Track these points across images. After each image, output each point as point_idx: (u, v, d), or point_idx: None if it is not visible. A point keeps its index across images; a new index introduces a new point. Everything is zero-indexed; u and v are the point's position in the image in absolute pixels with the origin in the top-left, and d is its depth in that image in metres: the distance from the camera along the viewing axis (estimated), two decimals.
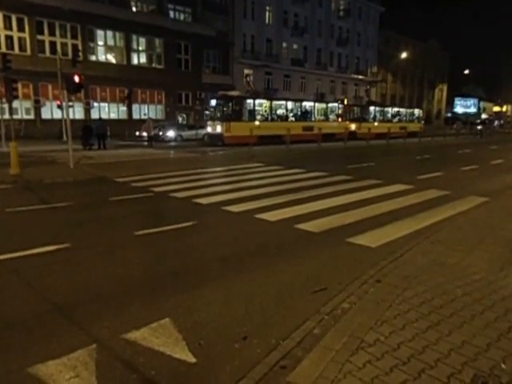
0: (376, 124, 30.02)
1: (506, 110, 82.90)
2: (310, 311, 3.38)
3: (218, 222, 6.43)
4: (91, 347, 2.87)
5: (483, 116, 74.50)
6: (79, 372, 2.59)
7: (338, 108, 28.05)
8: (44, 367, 2.65)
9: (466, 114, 72.95)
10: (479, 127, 39.82)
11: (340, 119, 27.93)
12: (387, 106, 35.91)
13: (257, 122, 22.07)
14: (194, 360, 2.76)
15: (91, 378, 2.54)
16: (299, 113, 25.54)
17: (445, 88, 70.19)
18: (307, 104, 26.32)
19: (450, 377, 2.41)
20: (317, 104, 26.96)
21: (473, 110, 77.67)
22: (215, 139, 21.58)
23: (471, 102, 78.64)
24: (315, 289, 3.89)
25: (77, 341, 2.95)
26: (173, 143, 24.26)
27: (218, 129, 21.47)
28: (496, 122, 59.66)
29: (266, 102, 23.75)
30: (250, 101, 22.71)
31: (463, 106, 78.85)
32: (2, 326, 3.20)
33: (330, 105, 27.98)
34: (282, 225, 6.15)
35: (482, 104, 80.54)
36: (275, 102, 24.62)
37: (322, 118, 26.79)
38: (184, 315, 3.36)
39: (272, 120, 23.66)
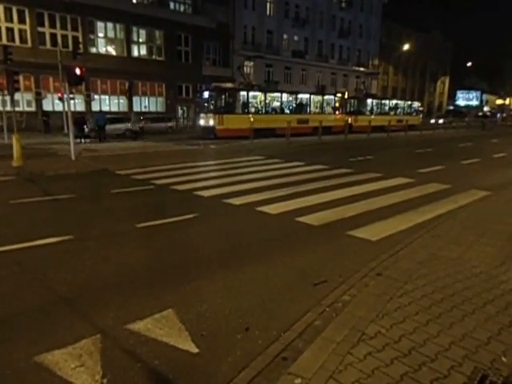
0: (373, 117, 29.69)
1: (510, 103, 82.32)
2: (310, 303, 3.41)
3: (219, 215, 6.46)
4: (96, 337, 2.92)
5: (485, 109, 74.08)
6: (84, 361, 2.64)
7: (335, 101, 27.76)
8: (50, 356, 2.69)
9: (468, 107, 72.57)
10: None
11: (338, 112, 27.68)
12: (385, 99, 35.54)
13: (250, 115, 21.65)
14: (196, 350, 2.80)
15: (96, 367, 2.58)
16: (294, 105, 25.21)
17: (447, 81, 69.66)
18: (303, 96, 25.97)
19: (451, 369, 2.43)
20: (312, 96, 26.66)
21: (475, 102, 77.25)
22: (207, 132, 21.17)
23: (473, 94, 78.19)
24: (316, 281, 3.92)
25: (81, 331, 3.00)
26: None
27: (211, 122, 21.03)
28: (498, 115, 59.34)
29: (260, 95, 23.34)
30: (243, 93, 22.30)
31: (465, 99, 78.41)
32: (8, 316, 3.24)
33: (326, 97, 27.67)
34: (282, 218, 6.17)
35: (484, 97, 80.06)
36: (270, 95, 24.21)
37: (318, 110, 26.50)
38: (186, 306, 3.40)
39: (266, 113, 23.34)
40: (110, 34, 28.21)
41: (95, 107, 26.80)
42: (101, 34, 27.71)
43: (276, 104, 24.28)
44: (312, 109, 26.18)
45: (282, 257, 4.59)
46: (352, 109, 29.67)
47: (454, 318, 3.05)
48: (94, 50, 27.38)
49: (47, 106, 25.75)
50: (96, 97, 27.62)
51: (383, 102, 33.14)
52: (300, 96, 25.85)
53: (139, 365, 2.64)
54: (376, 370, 2.43)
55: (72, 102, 20.81)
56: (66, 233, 5.21)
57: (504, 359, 2.53)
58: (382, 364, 2.49)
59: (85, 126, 19.96)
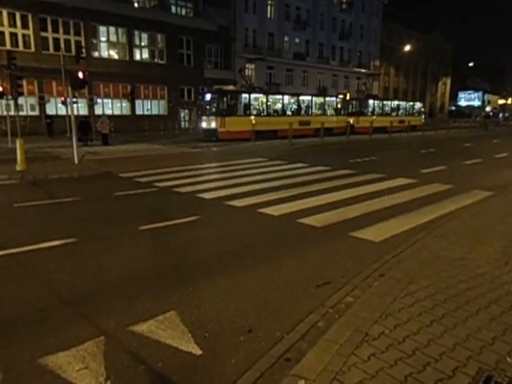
0: (374, 118, 29.51)
1: (511, 103, 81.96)
2: (313, 305, 3.41)
3: (222, 217, 6.46)
4: (99, 339, 2.93)
5: (488, 109, 73.87)
6: (88, 363, 2.65)
7: (336, 102, 27.77)
8: (54, 358, 2.70)
9: (469, 107, 72.44)
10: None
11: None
12: (386, 100, 35.47)
13: (252, 117, 21.61)
14: (199, 352, 2.80)
15: (100, 369, 2.59)
16: (296, 107, 25.21)
17: (448, 81, 69.49)
18: (304, 98, 25.95)
19: (455, 370, 2.42)
20: (314, 98, 26.63)
21: (477, 102, 77.08)
22: (209, 134, 21.18)
23: (475, 95, 78.01)
24: (319, 283, 3.91)
25: (85, 333, 3.01)
26: None
27: (213, 124, 21.05)
28: (500, 115, 59.21)
29: (261, 97, 23.33)
30: (245, 95, 22.32)
31: (467, 100, 78.26)
32: (12, 319, 3.25)
33: (328, 99, 27.65)
34: (285, 219, 6.17)
35: (486, 97, 79.83)
36: (271, 97, 24.18)
37: (320, 112, 26.45)
38: (189, 308, 3.40)
39: (268, 115, 23.32)
40: (112, 38, 28.36)
41: (98, 111, 26.97)
42: (103, 39, 27.86)
43: (278, 106, 24.29)
44: (314, 110, 26.19)
45: (285, 258, 4.59)
46: (354, 110, 29.64)
47: (457, 318, 3.04)
48: (96, 54, 27.53)
49: (50, 109, 25.90)
50: (99, 100, 27.73)
51: (385, 103, 33.06)
52: (301, 98, 25.83)
53: (142, 367, 2.64)
54: (380, 370, 2.42)
55: (75, 105, 20.91)
56: (69, 235, 5.23)
57: (509, 360, 2.52)
58: (386, 365, 2.48)
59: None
